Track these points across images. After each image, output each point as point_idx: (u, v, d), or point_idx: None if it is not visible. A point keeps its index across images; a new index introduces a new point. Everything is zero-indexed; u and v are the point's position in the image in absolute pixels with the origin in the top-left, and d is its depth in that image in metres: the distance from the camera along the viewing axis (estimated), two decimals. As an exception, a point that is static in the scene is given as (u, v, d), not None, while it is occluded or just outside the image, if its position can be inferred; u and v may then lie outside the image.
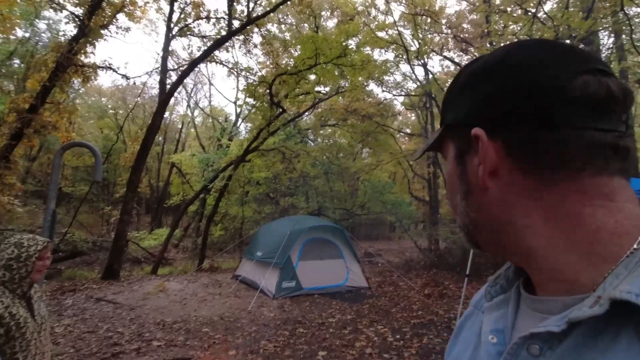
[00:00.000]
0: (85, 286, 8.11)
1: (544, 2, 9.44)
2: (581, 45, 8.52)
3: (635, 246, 0.33)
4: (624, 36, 8.63)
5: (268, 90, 12.27)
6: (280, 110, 12.77)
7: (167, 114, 20.99)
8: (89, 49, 9.56)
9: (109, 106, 24.84)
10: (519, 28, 10.66)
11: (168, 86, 11.75)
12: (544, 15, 8.53)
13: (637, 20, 8.54)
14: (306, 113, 17.29)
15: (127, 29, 11.53)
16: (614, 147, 0.37)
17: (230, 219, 15.08)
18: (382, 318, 6.15)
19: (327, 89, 16.16)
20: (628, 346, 0.30)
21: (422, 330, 5.46)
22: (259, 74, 14.16)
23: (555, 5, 8.36)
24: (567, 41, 8.74)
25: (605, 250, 0.35)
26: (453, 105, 0.47)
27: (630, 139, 0.38)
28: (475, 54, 13.05)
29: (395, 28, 13.99)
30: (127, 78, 12.17)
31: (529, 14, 9.46)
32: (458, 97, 0.46)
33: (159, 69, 12.86)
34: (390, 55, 17.13)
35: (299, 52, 13.00)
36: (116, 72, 11.23)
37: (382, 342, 4.98)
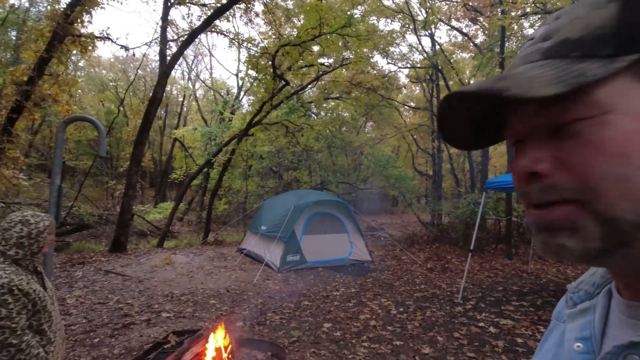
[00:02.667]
0: (94, 259, 8.26)
1: (560, -33, 8.97)
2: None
3: None
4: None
5: (271, 62, 11.97)
6: (284, 82, 12.51)
7: (168, 87, 20.66)
8: (85, 17, 9.26)
9: (110, 78, 24.43)
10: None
11: (168, 57, 11.47)
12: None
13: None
14: (309, 86, 16.94)
15: (124, -3, 11.12)
16: None
17: (234, 193, 15.16)
18: (385, 291, 6.26)
19: (331, 60, 15.76)
20: None
21: (425, 304, 5.57)
22: (261, 44, 13.74)
23: (572, -29, 7.93)
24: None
25: None
26: None
27: None
28: (485, 24, 12.58)
29: (403, -4, 13.43)
30: (127, 49, 11.86)
31: (544, -20, 9.01)
32: None
33: (158, 39, 12.51)
34: (396, 25, 16.55)
35: (302, 22, 12.58)
36: (115, 42, 10.93)
37: (386, 314, 5.09)
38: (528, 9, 9.70)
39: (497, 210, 9.64)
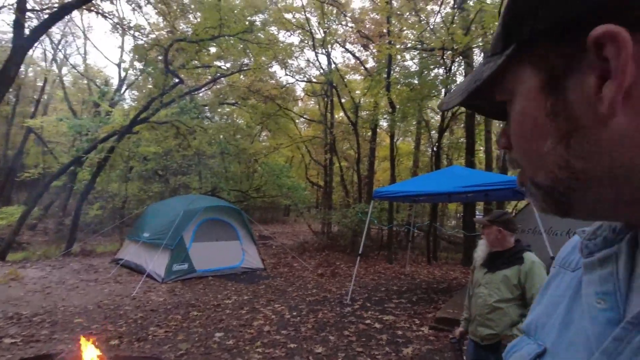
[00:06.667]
0: None
1: (435, 13, 10.65)
2: (460, 58, 9.91)
3: None
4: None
5: (162, 57, 11.01)
6: (177, 80, 11.63)
7: (22, 67, 17.02)
8: None
9: None
10: (411, 34, 11.82)
11: (27, 31, 9.49)
12: (435, 26, 9.61)
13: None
14: (205, 87, 16.14)
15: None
16: None
17: (110, 197, 13.25)
18: (278, 297, 6.25)
19: (229, 64, 15.36)
20: None
21: (317, 307, 5.74)
22: (152, 35, 12.55)
23: (443, 17, 9.52)
24: (449, 52, 10.11)
25: None
26: (533, 8, 0.31)
27: None
28: (374, 51, 14.00)
29: (303, 13, 14.01)
30: (-35, 11, 9.42)
31: (422, 22, 10.56)
32: None
33: (14, 5, 10.27)
34: (295, 39, 17.18)
35: (201, 20, 11.98)
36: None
37: (280, 319, 5.07)
38: (409, 44, 11.21)
39: (380, 219, 10.65)
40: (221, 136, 17.37)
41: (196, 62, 13.96)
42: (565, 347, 0.37)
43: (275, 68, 19.17)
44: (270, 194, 17.73)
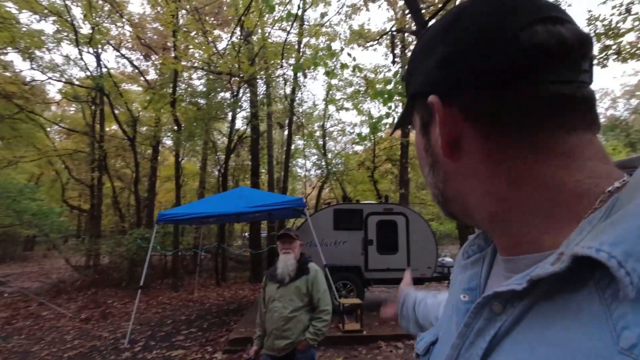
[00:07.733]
0: None
1: (221, 39, 11.01)
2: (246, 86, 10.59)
3: (596, 205, 0.32)
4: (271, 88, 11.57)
5: None
6: None
7: None
8: None
9: None
10: (198, 54, 11.76)
11: None
12: (224, 51, 9.92)
13: (278, 78, 11.74)
14: None
15: None
16: (572, 99, 0.35)
17: None
18: (18, 364, 4.62)
19: None
20: (585, 304, 0.28)
21: (83, 362, 4.60)
22: None
23: (230, 45, 9.93)
24: (236, 78, 10.59)
25: (566, 212, 0.33)
26: (414, 73, 0.43)
27: (590, 89, 0.36)
28: (157, 63, 13.01)
29: (60, -1, 11.44)
30: None
31: (210, 45, 10.68)
32: (418, 63, 0.42)
33: None
34: (49, 27, 13.73)
35: None
36: None
37: (22, 395, 3.74)
38: (196, 63, 11.06)
39: (164, 244, 9.72)
40: None
41: None
42: (446, 336, 0.45)
43: (15, 57, 14.41)
44: (2, 223, 13.10)
